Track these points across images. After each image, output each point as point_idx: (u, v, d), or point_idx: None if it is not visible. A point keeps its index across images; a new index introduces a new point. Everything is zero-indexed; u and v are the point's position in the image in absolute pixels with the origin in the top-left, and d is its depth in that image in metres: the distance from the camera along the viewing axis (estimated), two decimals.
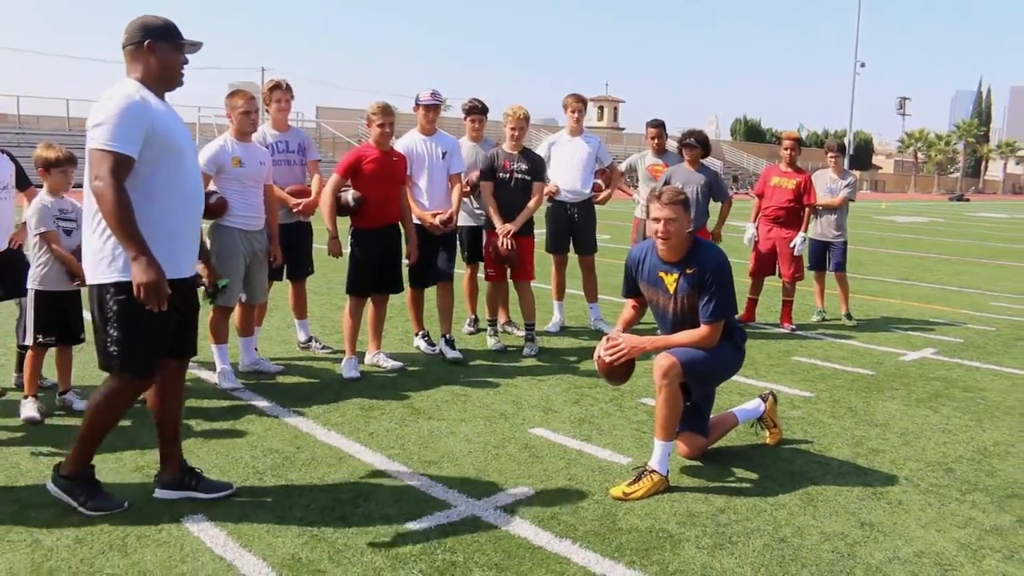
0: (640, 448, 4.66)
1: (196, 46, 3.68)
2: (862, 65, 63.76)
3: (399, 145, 6.44)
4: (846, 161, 52.92)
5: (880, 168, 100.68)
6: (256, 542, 3.41)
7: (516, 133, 6.81)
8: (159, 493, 3.83)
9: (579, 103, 7.66)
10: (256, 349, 6.21)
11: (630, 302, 4.68)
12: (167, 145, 3.50)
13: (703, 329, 4.22)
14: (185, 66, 3.68)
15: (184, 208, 3.62)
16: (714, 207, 8.07)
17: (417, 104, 6.44)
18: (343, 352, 6.19)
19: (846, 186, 8.59)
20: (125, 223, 3.33)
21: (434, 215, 6.35)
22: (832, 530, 3.71)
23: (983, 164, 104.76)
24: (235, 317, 5.87)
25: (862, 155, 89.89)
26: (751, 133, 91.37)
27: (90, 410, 3.64)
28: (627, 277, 4.58)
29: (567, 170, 7.62)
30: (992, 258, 16.84)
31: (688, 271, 4.22)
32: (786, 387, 6.02)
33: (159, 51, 3.55)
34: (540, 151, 7.87)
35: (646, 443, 4.75)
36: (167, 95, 3.65)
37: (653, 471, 4.06)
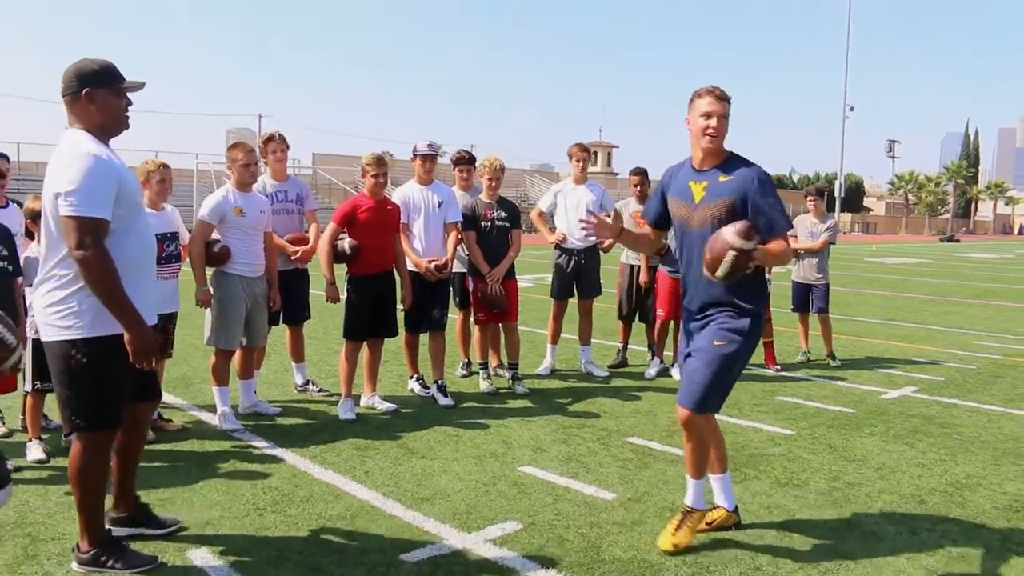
0: (625, 484, 4.85)
1: (137, 86, 3.54)
2: (851, 109, 64.67)
3: (397, 195, 6.71)
4: (837, 203, 52.82)
5: (871, 210, 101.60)
6: (257, 573, 3.59)
7: (493, 183, 7.12)
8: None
9: (583, 152, 7.96)
10: (255, 392, 6.40)
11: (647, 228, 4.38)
12: (131, 200, 3.45)
13: (782, 241, 3.84)
14: (130, 107, 3.53)
15: (147, 258, 3.60)
16: None
17: (415, 155, 6.72)
18: (339, 395, 6.39)
19: (826, 229, 8.86)
20: (116, 292, 3.31)
21: (429, 261, 6.58)
22: (806, 559, 3.89)
23: (973, 205, 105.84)
24: (235, 360, 6.07)
25: (853, 197, 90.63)
26: None
27: (75, 480, 3.51)
28: (656, 196, 4.22)
29: (574, 217, 7.89)
30: (977, 298, 17.10)
31: (722, 178, 3.87)
32: (768, 425, 6.22)
33: (98, 98, 3.41)
34: (546, 199, 8.16)
35: (631, 479, 4.96)
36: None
37: (691, 510, 4.07)
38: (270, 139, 6.50)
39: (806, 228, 8.94)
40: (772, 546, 4.03)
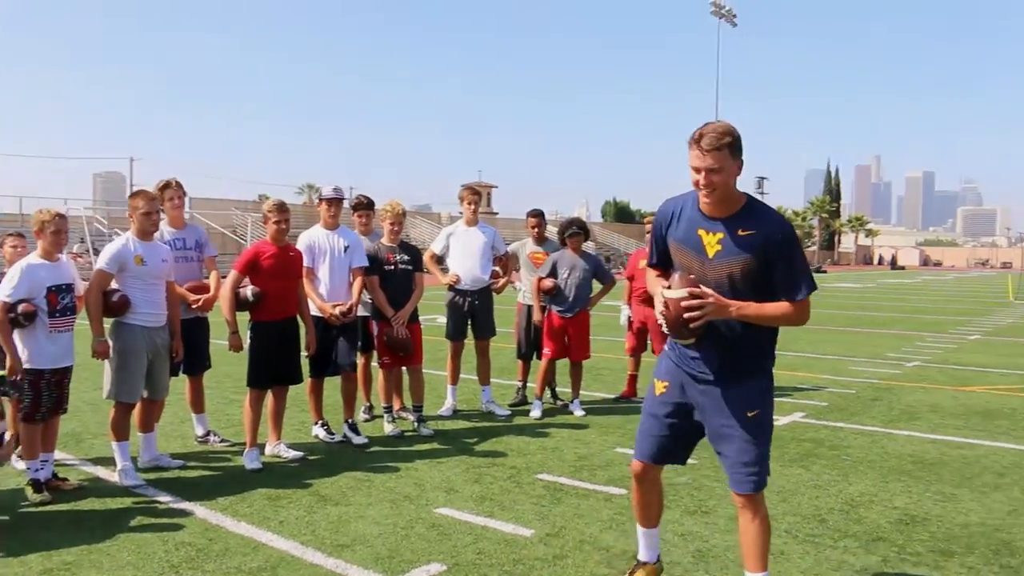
0: (541, 520, 4.93)
1: None
2: None
3: (303, 239, 6.67)
4: None
5: None
6: None
7: (395, 228, 7.18)
8: None
9: (474, 195, 8.10)
10: (155, 445, 6.18)
11: (654, 273, 3.75)
12: None
13: (790, 306, 3.37)
14: None
15: None
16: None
17: (320, 199, 6.71)
18: (242, 444, 6.26)
19: None
20: None
21: (334, 306, 6.55)
22: None
23: (836, 237, 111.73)
24: (136, 414, 5.87)
25: None
26: (621, 214, 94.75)
27: None
28: (656, 238, 3.66)
29: (467, 259, 7.98)
30: (849, 325, 18.07)
31: (741, 232, 3.34)
32: None
33: None
34: (439, 242, 8.23)
35: (546, 515, 5.04)
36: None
37: None
38: (167, 186, 6.36)
39: None
40: (690, 572, 4.18)
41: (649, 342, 8.88)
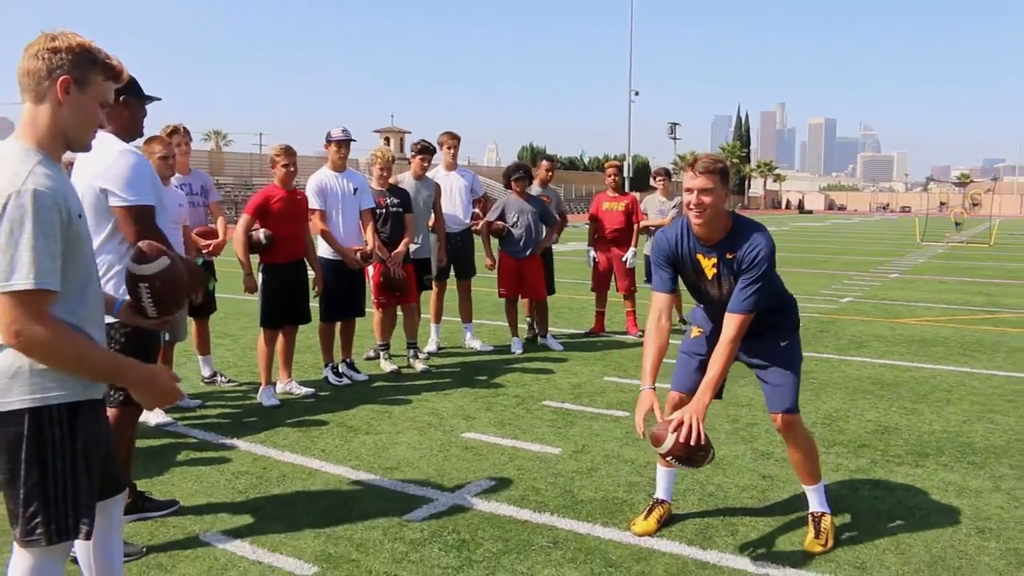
0: (563, 440, 5.39)
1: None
2: (636, 93, 68.24)
3: (312, 181, 6.86)
4: (627, 184, 55.68)
5: (657, 189, 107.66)
6: (282, 546, 3.81)
7: (384, 172, 7.43)
8: None
9: (453, 140, 8.38)
10: None
11: (662, 303, 3.88)
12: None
13: (731, 328, 3.64)
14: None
15: None
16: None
17: (329, 141, 6.90)
18: (247, 384, 6.52)
19: (674, 207, 9.79)
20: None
21: (355, 251, 6.82)
22: (743, 483, 4.61)
23: (747, 182, 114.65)
24: None
25: (641, 178, 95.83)
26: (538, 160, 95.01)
27: None
28: (663, 262, 3.84)
29: (448, 202, 8.29)
30: (779, 267, 18.92)
31: (728, 255, 3.68)
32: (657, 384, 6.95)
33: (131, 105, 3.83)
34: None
35: (566, 435, 5.50)
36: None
37: (823, 515, 3.97)
38: (174, 131, 6.47)
39: (655, 206, 9.85)
40: (712, 478, 4.71)
41: (614, 281, 9.40)
